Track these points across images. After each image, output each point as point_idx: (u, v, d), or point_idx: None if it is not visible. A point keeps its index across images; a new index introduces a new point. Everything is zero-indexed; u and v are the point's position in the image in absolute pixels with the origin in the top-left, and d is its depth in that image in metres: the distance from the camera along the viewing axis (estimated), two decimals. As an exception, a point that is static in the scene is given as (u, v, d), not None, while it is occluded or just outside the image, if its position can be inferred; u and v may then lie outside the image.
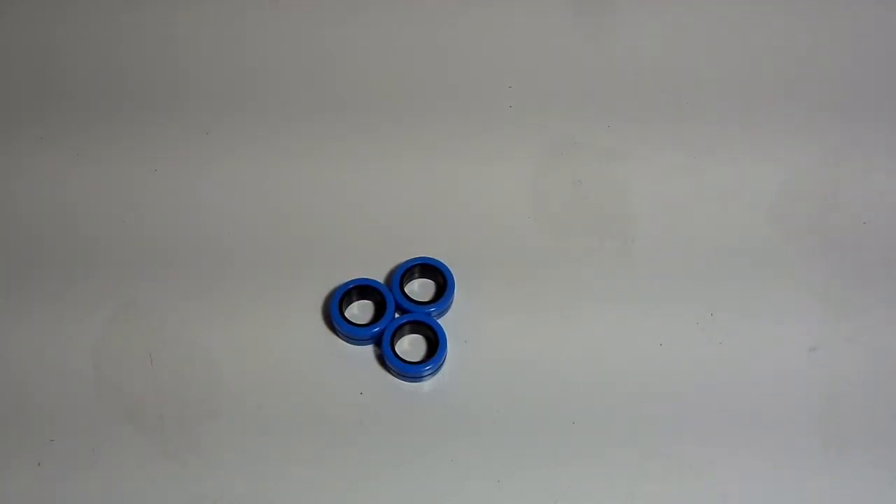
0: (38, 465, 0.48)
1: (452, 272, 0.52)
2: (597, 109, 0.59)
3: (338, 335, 0.52)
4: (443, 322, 0.52)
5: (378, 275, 0.53)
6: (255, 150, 0.58)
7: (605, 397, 0.51)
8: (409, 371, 0.49)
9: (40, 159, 0.58)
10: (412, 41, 0.62)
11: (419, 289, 0.53)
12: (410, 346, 0.51)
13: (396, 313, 0.52)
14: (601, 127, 0.58)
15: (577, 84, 0.60)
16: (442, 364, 0.50)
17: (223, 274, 0.54)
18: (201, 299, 0.53)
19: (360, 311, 0.53)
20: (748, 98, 0.59)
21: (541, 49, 0.61)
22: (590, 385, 0.51)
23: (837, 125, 0.58)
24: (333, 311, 0.51)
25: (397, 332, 0.51)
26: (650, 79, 0.60)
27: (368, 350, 0.51)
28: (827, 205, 0.56)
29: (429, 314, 0.51)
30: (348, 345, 0.51)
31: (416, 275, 0.53)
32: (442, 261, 0.52)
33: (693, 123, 0.58)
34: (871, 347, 0.52)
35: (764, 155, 0.57)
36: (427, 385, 0.50)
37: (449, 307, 0.53)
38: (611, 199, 0.56)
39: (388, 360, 0.49)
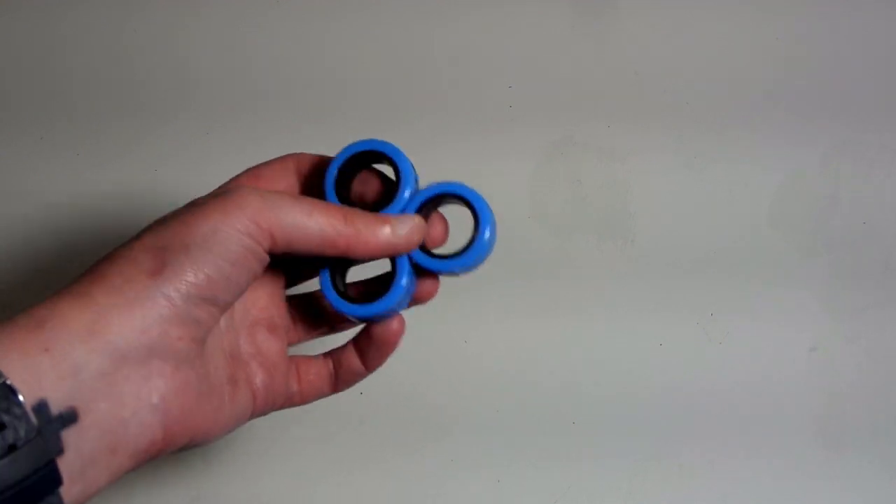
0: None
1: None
2: (597, 109, 0.59)
3: None
4: (443, 323, 0.52)
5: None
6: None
7: (606, 396, 0.51)
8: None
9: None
10: (413, 42, 0.62)
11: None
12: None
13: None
14: (601, 127, 0.58)
15: (577, 84, 0.60)
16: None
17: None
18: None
19: None
20: (749, 98, 0.59)
21: (541, 49, 0.61)
22: (590, 384, 0.51)
23: (838, 126, 0.58)
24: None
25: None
26: (650, 79, 0.60)
27: None
28: (827, 205, 0.56)
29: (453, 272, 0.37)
30: None
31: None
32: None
33: (694, 123, 0.58)
34: (870, 347, 0.52)
35: (764, 155, 0.57)
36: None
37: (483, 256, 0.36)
38: (611, 199, 0.56)
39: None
